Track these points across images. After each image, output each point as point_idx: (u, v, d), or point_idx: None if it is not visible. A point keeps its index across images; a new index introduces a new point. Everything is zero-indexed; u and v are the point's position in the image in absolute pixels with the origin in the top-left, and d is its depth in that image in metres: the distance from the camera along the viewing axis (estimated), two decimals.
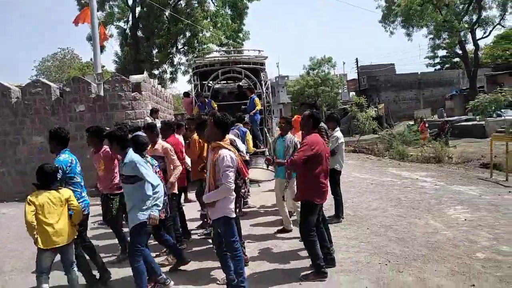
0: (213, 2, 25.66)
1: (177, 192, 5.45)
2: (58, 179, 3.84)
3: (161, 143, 5.17)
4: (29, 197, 3.63)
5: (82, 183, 4.23)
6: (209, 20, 24.50)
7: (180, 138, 6.37)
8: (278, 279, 4.33)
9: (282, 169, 5.81)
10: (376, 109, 29.01)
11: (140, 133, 4.80)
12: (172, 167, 5.10)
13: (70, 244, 3.81)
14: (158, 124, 6.34)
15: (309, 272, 4.35)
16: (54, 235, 3.63)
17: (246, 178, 5.05)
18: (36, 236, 3.58)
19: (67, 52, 42.58)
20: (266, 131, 11.77)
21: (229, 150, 3.84)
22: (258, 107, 10.48)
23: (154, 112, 9.32)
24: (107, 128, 5.33)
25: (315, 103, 7.15)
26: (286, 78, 50.30)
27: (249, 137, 7.74)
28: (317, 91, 36.95)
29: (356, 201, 7.53)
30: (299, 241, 4.97)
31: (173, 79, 27.93)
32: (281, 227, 6.07)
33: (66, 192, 3.80)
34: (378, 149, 18.16)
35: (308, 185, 4.32)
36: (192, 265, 4.82)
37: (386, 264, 4.53)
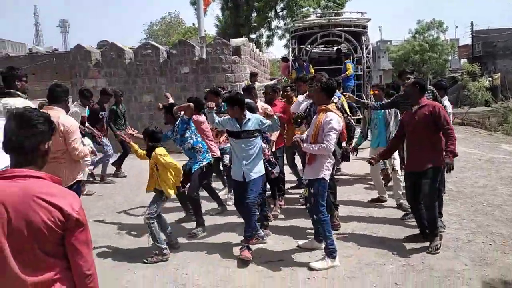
0: None
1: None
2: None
3: (260, 104, 5.30)
4: (157, 151, 4.13)
5: None
6: None
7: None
8: (371, 243, 4.30)
9: (383, 138, 5.63)
10: (490, 78, 26.06)
11: (250, 100, 4.97)
12: None
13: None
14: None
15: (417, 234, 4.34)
16: (171, 182, 4.17)
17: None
18: (165, 186, 4.14)
19: (173, 17, 44.81)
20: (365, 98, 11.31)
21: (336, 113, 3.88)
22: (349, 71, 10.06)
23: (253, 76, 9.48)
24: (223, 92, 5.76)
25: (414, 72, 6.57)
26: (388, 43, 47.26)
27: (344, 102, 7.42)
28: (423, 57, 34.19)
29: (461, 177, 6.98)
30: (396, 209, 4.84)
31: (269, 43, 27.94)
32: (376, 196, 5.92)
33: (163, 150, 4.24)
34: (490, 123, 16.43)
35: (439, 150, 4.08)
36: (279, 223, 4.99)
37: (490, 244, 4.20)
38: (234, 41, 11.31)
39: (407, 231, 4.57)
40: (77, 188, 4.03)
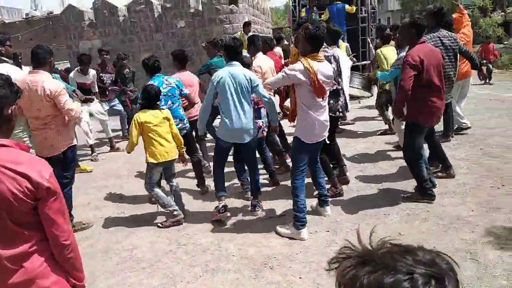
0: None
1: None
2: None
3: (260, 60, 4.95)
4: (135, 116, 3.88)
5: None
6: None
7: (279, 52, 6.15)
8: (377, 199, 4.18)
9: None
10: (503, 13, 24.80)
11: (245, 54, 4.70)
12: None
13: (174, 160, 4.05)
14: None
15: (413, 192, 4.07)
16: (163, 151, 3.89)
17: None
18: (146, 153, 3.91)
19: None
20: (369, 41, 10.83)
21: (307, 64, 3.37)
22: (351, 10, 9.52)
23: (246, 25, 9.00)
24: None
25: (441, 10, 5.71)
26: None
27: (343, 45, 6.99)
28: None
29: (470, 119, 6.74)
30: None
31: None
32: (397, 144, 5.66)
33: (167, 112, 3.98)
34: (502, 61, 15.80)
35: (412, 103, 3.82)
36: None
37: (498, 188, 4.06)
38: None
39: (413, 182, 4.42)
40: (72, 153, 3.95)
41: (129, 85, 7.78)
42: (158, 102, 3.98)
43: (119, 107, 7.62)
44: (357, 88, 6.22)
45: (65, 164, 3.87)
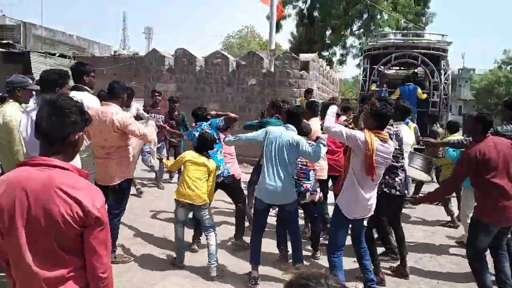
0: None
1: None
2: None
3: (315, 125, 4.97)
4: (183, 153, 4.12)
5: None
6: (390, 1, 23.06)
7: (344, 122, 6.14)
8: None
9: None
10: None
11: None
12: None
13: (201, 207, 4.00)
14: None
15: None
16: (185, 190, 3.93)
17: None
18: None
19: (249, 30, 45.90)
20: (439, 127, 10.53)
21: (371, 136, 3.29)
22: (422, 95, 9.35)
23: (308, 92, 9.11)
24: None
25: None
26: (471, 71, 44.42)
27: (411, 128, 6.80)
28: (510, 90, 31.57)
29: None
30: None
31: (342, 62, 27.47)
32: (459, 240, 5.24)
33: (212, 164, 4.07)
34: None
35: (477, 199, 3.57)
36: None
37: None
38: (303, 56, 11.14)
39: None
40: (126, 186, 4.05)
41: (177, 129, 7.84)
42: (209, 151, 4.12)
43: (163, 151, 7.58)
44: (417, 169, 5.91)
45: (119, 196, 3.97)
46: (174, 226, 4.16)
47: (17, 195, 1.56)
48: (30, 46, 20.74)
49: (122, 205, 4.04)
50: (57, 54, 19.53)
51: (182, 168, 4.08)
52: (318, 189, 4.48)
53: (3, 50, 18.89)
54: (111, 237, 1.77)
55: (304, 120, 4.78)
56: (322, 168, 4.80)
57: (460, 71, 46.30)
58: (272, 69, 10.90)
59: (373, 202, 3.43)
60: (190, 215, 4.22)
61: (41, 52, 19.37)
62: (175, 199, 4.04)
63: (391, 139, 3.66)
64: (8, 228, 1.56)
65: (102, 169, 3.88)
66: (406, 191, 4.40)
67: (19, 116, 3.61)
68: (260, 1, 13.08)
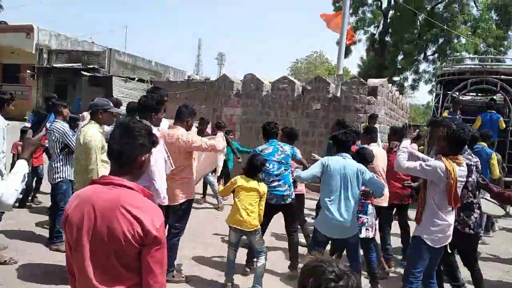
0: (476, 5, 22.80)
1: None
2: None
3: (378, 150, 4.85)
4: (235, 178, 4.12)
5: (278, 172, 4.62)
6: (469, 25, 21.92)
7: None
8: None
9: None
10: None
11: (367, 147, 4.62)
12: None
13: (253, 232, 4.02)
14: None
15: None
16: (237, 217, 3.96)
17: None
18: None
19: (318, 55, 46.02)
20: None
21: (450, 165, 3.15)
22: (502, 125, 8.71)
23: (372, 118, 8.89)
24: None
25: None
26: None
27: (495, 160, 6.38)
28: None
29: None
30: None
31: (414, 87, 26.45)
32: None
33: (263, 187, 4.08)
34: None
35: None
36: None
37: None
38: (372, 81, 10.93)
39: None
40: (187, 207, 4.19)
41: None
42: (259, 174, 4.15)
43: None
44: (490, 201, 5.45)
45: (179, 215, 4.11)
46: (227, 249, 4.23)
47: (86, 211, 1.68)
48: (113, 71, 22.61)
49: (182, 225, 4.16)
50: (136, 79, 21.06)
51: (235, 192, 4.12)
52: (374, 226, 4.31)
53: (89, 74, 20.76)
54: (170, 256, 1.84)
55: (367, 146, 4.69)
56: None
57: None
58: (339, 94, 10.81)
59: (452, 227, 3.30)
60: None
61: (122, 77, 21.01)
62: (229, 224, 4.11)
63: (471, 172, 3.48)
64: (75, 243, 1.68)
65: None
66: (480, 230, 4.10)
67: (99, 137, 3.93)
68: (329, 28, 13.06)
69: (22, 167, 2.19)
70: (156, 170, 3.28)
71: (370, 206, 4.22)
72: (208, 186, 8.08)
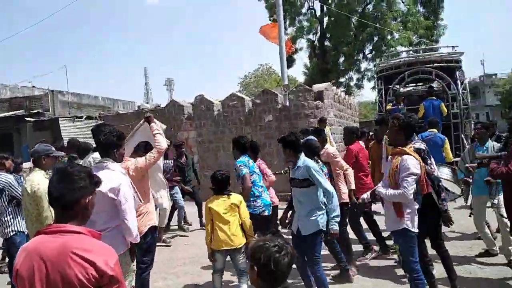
0: (402, 1, 24.26)
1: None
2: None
3: (326, 148, 5.04)
4: (207, 202, 4.04)
5: (261, 183, 4.70)
6: (398, 20, 23.28)
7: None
8: None
9: (485, 185, 4.76)
10: None
11: (312, 137, 4.76)
12: (340, 172, 4.96)
13: (239, 249, 3.96)
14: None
15: None
16: (223, 236, 3.90)
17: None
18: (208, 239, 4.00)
19: (265, 68, 46.81)
20: (463, 138, 10.31)
21: (413, 156, 3.43)
22: (444, 111, 9.31)
23: (321, 121, 9.24)
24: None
25: None
26: (493, 76, 43.45)
27: (447, 144, 6.72)
28: None
29: None
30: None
31: (359, 86, 27.58)
32: (483, 249, 5.14)
33: (236, 198, 4.05)
34: None
35: None
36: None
37: None
38: (316, 87, 11.29)
39: None
40: (152, 236, 4.08)
41: (187, 173, 7.99)
42: (227, 187, 4.06)
43: (178, 196, 7.56)
44: (447, 180, 5.66)
45: (145, 249, 3.94)
46: (212, 276, 4.08)
47: (35, 263, 1.65)
48: (58, 112, 21.87)
49: (149, 258, 4.02)
50: (84, 117, 20.48)
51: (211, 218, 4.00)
52: None
53: (33, 119, 19.99)
54: None
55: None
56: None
57: (482, 78, 45.39)
58: (287, 103, 11.07)
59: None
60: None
61: (68, 117, 20.36)
62: (213, 250, 3.98)
63: (426, 156, 3.70)
64: None
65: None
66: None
67: (46, 183, 3.80)
68: (269, 41, 13.40)
69: None
70: (127, 208, 3.16)
71: None
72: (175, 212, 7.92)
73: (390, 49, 22.91)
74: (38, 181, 3.83)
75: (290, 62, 24.43)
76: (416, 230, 3.44)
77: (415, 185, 3.38)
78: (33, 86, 26.54)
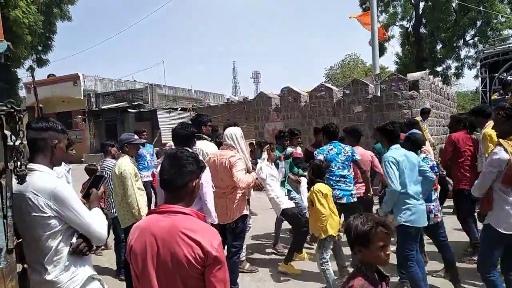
0: None
1: None
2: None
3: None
4: (315, 188, 4.07)
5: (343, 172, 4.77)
6: (506, 1, 20.88)
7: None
8: None
9: None
10: None
11: (416, 131, 4.52)
12: None
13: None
14: None
15: None
16: (335, 223, 4.07)
17: None
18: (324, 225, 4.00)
19: (352, 58, 45.30)
20: None
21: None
22: None
23: (424, 113, 8.65)
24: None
25: None
26: None
27: None
28: None
29: None
30: None
31: (458, 75, 25.37)
32: None
33: (326, 189, 4.12)
34: None
35: None
36: None
37: None
38: (411, 75, 10.65)
39: None
40: (243, 223, 4.25)
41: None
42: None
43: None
44: None
45: (235, 234, 4.18)
46: (324, 266, 4.05)
47: (148, 240, 1.78)
48: (156, 104, 23.60)
49: (240, 243, 4.23)
50: (179, 109, 21.83)
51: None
52: (440, 213, 4.23)
53: (135, 110, 21.81)
54: (232, 274, 1.89)
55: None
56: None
57: None
58: (379, 93, 10.62)
59: None
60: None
61: (165, 109, 21.88)
62: (330, 235, 4.03)
63: None
64: (141, 271, 1.78)
65: (219, 208, 4.17)
66: None
67: (131, 166, 4.29)
68: (362, 26, 12.89)
69: (99, 212, 2.35)
70: (208, 191, 3.42)
71: (433, 192, 4.13)
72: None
73: (496, 33, 20.70)
74: (125, 164, 4.26)
75: (381, 50, 23.34)
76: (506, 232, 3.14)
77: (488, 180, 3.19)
78: (135, 80, 28.91)
